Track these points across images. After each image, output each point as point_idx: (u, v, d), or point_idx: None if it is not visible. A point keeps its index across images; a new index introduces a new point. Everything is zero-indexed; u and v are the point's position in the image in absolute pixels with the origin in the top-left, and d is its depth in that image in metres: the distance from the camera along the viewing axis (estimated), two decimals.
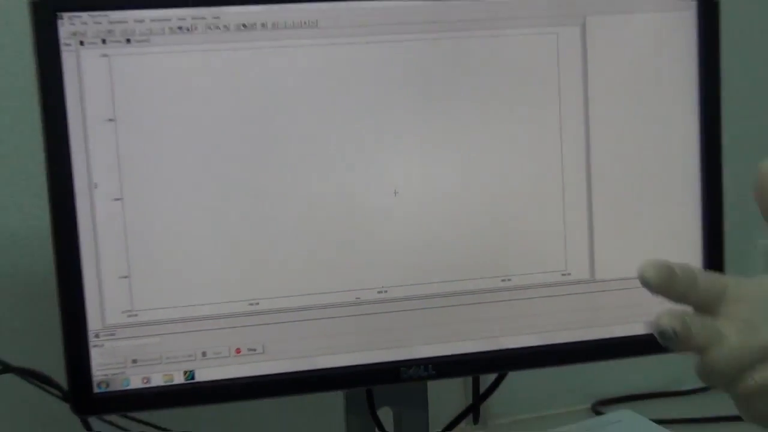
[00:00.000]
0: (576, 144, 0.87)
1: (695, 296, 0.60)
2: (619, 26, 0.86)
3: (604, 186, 0.89)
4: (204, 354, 0.82)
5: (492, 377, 0.96)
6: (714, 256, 0.89)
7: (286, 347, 0.84)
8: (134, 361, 0.81)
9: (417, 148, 0.84)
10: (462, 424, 1.02)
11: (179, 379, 0.82)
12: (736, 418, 0.61)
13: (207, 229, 0.81)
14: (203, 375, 0.82)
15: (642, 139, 0.88)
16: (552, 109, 0.86)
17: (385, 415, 0.92)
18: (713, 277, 0.63)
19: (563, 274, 0.87)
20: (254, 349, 0.83)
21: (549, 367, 0.90)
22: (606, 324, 0.88)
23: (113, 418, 0.91)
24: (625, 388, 1.22)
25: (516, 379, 0.96)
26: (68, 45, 0.76)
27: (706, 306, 0.61)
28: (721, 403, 0.66)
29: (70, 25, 0.76)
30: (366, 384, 0.89)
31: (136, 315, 0.81)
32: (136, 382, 0.81)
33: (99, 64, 0.77)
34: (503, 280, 0.87)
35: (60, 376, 0.83)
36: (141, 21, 0.77)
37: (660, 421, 1.09)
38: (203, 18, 0.78)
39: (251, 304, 0.82)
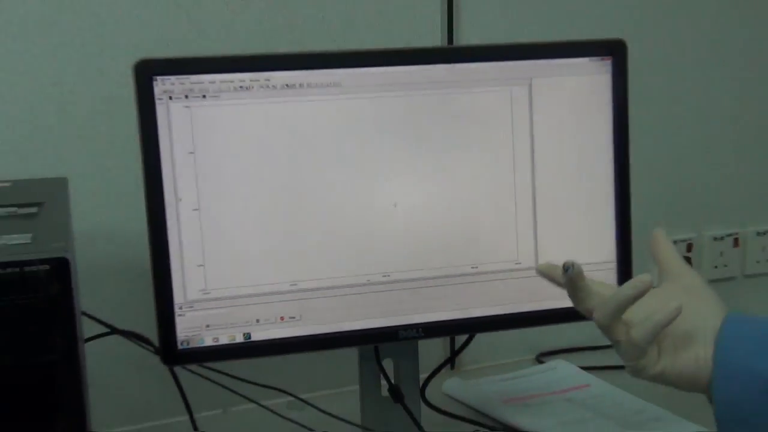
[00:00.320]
0: (525, 170, 0.95)
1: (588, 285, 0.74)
2: (557, 86, 0.94)
3: (546, 200, 0.96)
4: (257, 321, 0.90)
5: (464, 337, 1.03)
6: (623, 250, 0.97)
7: (317, 316, 0.91)
8: (207, 326, 0.88)
9: (411, 173, 0.92)
10: (442, 371, 1.07)
11: (239, 339, 0.89)
12: None
13: (260, 231, 0.88)
14: (257, 336, 0.90)
15: (573, 167, 0.96)
16: (507, 144, 0.93)
17: (388, 364, 0.98)
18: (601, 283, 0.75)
19: (516, 263, 0.95)
20: (294, 317, 0.90)
21: (506, 329, 0.98)
22: (546, 299, 0.95)
23: (192, 366, 0.95)
24: (564, 343, 1.28)
25: (482, 338, 1.03)
26: (161, 99, 0.85)
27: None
28: None
29: (162, 85, 0.85)
30: (374, 342, 0.95)
31: (209, 293, 0.88)
32: (208, 341, 0.89)
33: (183, 113, 0.85)
34: (472, 267, 0.94)
35: (153, 337, 0.91)
36: (213, 82, 0.86)
37: (587, 368, 1.19)
38: (258, 80, 0.87)
39: (292, 285, 0.90)
